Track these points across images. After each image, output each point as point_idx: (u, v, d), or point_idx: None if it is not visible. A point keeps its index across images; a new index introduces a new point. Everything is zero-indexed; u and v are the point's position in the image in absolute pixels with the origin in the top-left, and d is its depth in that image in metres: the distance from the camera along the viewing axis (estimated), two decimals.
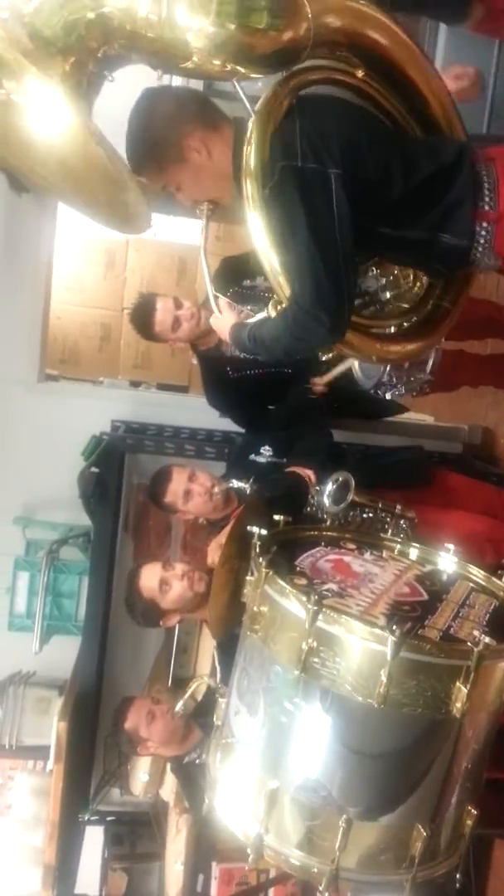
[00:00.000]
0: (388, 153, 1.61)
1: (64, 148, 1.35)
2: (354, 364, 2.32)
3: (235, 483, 2.28)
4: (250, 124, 1.56)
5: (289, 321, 1.59)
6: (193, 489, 2.31)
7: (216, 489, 2.29)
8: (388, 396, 2.24)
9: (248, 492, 2.23)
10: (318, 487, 2.13)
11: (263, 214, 1.55)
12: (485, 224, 1.62)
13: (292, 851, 1.16)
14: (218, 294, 1.91)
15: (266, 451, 2.44)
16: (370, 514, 2.10)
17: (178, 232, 4.85)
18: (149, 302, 2.53)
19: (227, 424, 3.20)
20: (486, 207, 1.61)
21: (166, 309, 2.49)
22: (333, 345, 1.65)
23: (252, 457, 2.46)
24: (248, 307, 2.46)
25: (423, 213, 1.62)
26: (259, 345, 1.72)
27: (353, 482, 2.03)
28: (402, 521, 2.10)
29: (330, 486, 2.04)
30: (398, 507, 2.11)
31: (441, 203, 1.62)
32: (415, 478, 2.42)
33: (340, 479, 2.04)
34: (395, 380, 2.15)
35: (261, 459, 2.44)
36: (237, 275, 2.56)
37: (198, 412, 3.30)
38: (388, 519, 2.09)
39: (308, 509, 2.13)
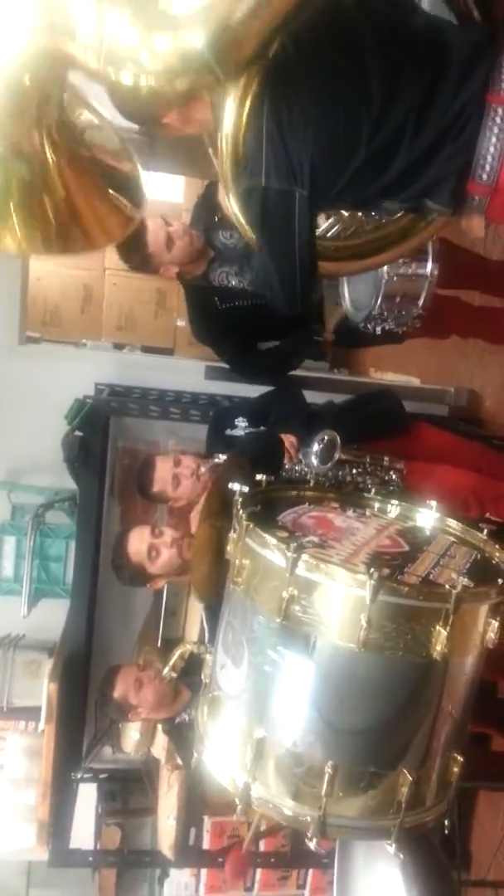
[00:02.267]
0: (370, 130, 1.46)
1: None
2: (345, 297, 2.29)
3: (221, 457, 2.27)
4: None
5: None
6: (180, 473, 2.30)
7: (202, 469, 2.28)
8: (378, 331, 2.20)
9: None
10: (304, 450, 2.13)
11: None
12: (476, 197, 1.50)
13: (280, 800, 1.17)
14: None
15: (241, 422, 2.43)
16: (359, 470, 2.10)
17: (159, 190, 4.77)
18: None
19: (213, 387, 3.18)
20: (484, 177, 1.46)
21: (157, 227, 2.39)
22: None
23: (228, 431, 2.43)
24: (238, 233, 2.42)
25: (404, 188, 1.54)
26: None
27: (338, 440, 2.04)
28: (391, 473, 2.09)
29: (317, 447, 2.04)
30: (386, 459, 2.11)
31: (424, 175, 1.51)
32: (392, 425, 2.41)
33: (326, 437, 2.04)
34: (385, 313, 2.10)
35: (238, 432, 2.42)
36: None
37: (183, 375, 3.29)
38: (378, 472, 2.09)
39: (297, 472, 2.12)
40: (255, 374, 2.75)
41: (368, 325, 2.19)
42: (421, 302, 2.09)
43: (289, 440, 2.23)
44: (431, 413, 3.41)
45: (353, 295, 2.27)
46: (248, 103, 1.41)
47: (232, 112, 1.43)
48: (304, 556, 1.10)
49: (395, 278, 2.00)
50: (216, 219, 2.46)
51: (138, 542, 2.20)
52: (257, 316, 2.56)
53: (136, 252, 2.42)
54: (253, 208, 1.48)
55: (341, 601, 1.09)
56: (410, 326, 2.17)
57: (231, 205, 1.55)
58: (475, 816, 3.20)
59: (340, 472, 2.11)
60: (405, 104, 1.44)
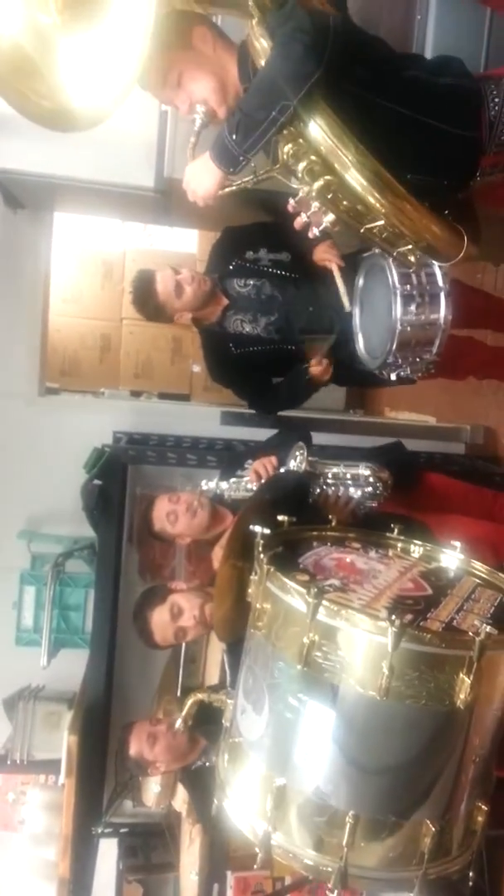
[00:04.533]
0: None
1: None
2: (360, 344, 2.31)
3: (204, 484, 2.31)
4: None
5: (275, 44, 1.49)
6: (176, 509, 2.32)
7: (195, 503, 2.30)
8: (392, 377, 2.20)
9: (220, 491, 2.31)
10: (283, 469, 2.18)
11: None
12: (491, 82, 1.66)
13: (301, 849, 1.15)
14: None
15: (250, 464, 2.44)
16: (337, 480, 2.09)
17: (174, 241, 4.89)
18: (147, 273, 2.51)
19: (229, 433, 3.21)
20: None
21: (166, 276, 2.47)
22: (321, 55, 1.46)
23: (238, 472, 2.45)
24: (252, 281, 2.47)
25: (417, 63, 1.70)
26: (246, 114, 1.54)
27: (305, 449, 2.10)
28: (370, 479, 2.08)
29: (292, 463, 2.12)
30: (361, 465, 2.10)
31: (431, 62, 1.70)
32: (401, 479, 2.41)
33: (297, 452, 2.12)
34: (400, 360, 2.10)
35: (246, 474, 2.44)
36: (239, 245, 2.53)
37: (198, 421, 3.32)
38: (357, 481, 2.08)
39: None
40: (274, 407, 2.78)
41: (384, 372, 2.20)
42: (435, 349, 2.09)
43: (269, 461, 2.25)
44: (448, 452, 3.41)
45: (367, 344, 2.30)
46: None
47: None
48: (325, 602, 1.09)
49: (408, 328, 2.02)
50: (230, 267, 2.52)
51: (162, 630, 2.23)
52: (272, 360, 2.60)
53: (148, 301, 2.49)
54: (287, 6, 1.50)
55: (363, 648, 1.08)
56: (426, 372, 2.18)
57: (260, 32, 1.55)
58: None
59: (324, 488, 2.11)
60: None
